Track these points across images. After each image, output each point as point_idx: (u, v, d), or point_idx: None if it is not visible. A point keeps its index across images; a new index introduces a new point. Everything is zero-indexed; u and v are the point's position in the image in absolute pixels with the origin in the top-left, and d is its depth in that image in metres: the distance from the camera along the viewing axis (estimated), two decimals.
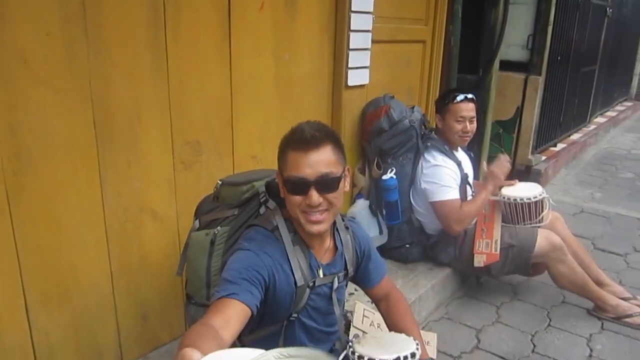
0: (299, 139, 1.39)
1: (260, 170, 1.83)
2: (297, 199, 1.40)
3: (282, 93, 2.36)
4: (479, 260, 2.64)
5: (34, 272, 1.61)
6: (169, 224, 1.97)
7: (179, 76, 1.88)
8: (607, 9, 6.37)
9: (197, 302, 1.67)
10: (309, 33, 2.44)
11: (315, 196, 1.38)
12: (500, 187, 2.80)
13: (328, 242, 1.59)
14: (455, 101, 2.68)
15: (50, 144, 1.57)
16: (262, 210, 1.60)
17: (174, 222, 1.99)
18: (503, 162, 2.78)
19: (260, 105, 2.26)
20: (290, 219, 1.51)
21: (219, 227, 1.64)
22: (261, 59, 2.22)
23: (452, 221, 2.65)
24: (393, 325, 1.70)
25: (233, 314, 1.25)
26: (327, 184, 1.39)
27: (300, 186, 1.39)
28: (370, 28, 2.69)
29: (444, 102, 2.74)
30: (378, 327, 2.21)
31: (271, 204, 1.57)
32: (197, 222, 1.71)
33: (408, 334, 1.61)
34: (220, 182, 1.72)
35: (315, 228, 1.43)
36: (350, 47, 2.60)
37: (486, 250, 2.65)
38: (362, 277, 1.71)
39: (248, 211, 1.63)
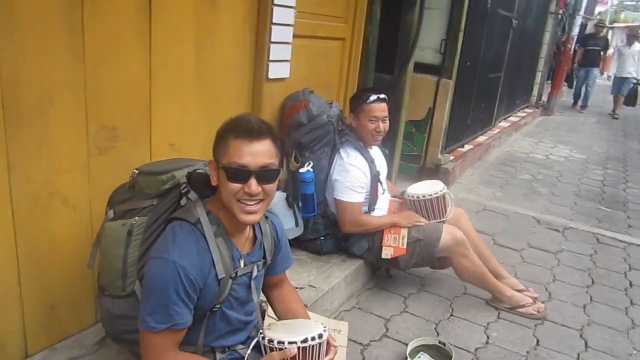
0: (245, 128, 1.41)
1: (178, 159, 1.79)
2: (235, 186, 1.42)
3: (203, 82, 2.33)
4: (387, 253, 2.75)
5: None
6: (81, 211, 1.90)
7: (96, 57, 1.82)
8: (513, 20, 6.78)
9: (112, 294, 1.62)
10: (230, 23, 2.43)
11: (254, 185, 1.41)
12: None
13: (248, 232, 1.61)
14: (368, 101, 2.76)
15: None
16: (183, 201, 1.58)
17: (86, 209, 1.92)
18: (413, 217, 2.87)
19: (179, 92, 2.22)
20: (213, 211, 1.52)
21: (136, 217, 1.59)
22: (181, 46, 2.18)
23: (346, 221, 2.78)
24: (285, 308, 1.81)
25: (180, 339, 1.46)
26: (267, 175, 1.44)
27: (241, 174, 1.41)
28: (292, 22, 2.71)
29: (357, 102, 2.82)
30: None
31: (192, 195, 1.56)
32: (111, 212, 1.66)
33: (299, 316, 1.76)
34: (137, 171, 1.66)
35: (249, 218, 1.46)
36: (272, 40, 2.61)
37: (394, 244, 2.76)
38: (269, 265, 1.75)
39: (167, 202, 1.60)
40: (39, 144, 1.71)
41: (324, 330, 1.47)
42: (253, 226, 1.64)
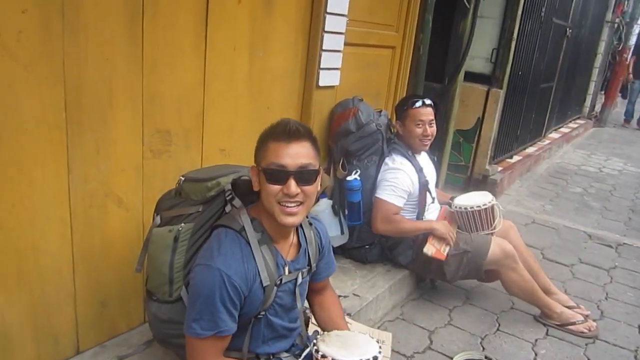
0: (283, 130, 1.42)
1: (224, 165, 1.81)
2: (275, 188, 1.42)
3: (254, 88, 2.36)
4: (428, 248, 2.70)
5: None
6: (134, 212, 1.95)
7: (153, 63, 1.87)
8: (567, 29, 6.60)
9: (160, 299, 1.66)
10: (284, 31, 2.46)
11: (293, 186, 1.41)
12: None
13: (292, 238, 1.61)
14: (414, 106, 2.76)
15: (18, 121, 1.53)
16: (228, 208, 1.59)
17: (139, 211, 1.97)
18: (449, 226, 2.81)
19: (231, 98, 2.26)
20: (257, 218, 1.53)
21: (182, 224, 1.62)
22: (235, 53, 2.22)
23: (379, 219, 2.73)
24: (325, 316, 1.81)
25: (225, 346, 1.48)
26: (305, 175, 1.43)
27: (280, 175, 1.41)
28: (343, 30, 2.72)
29: (403, 108, 2.81)
30: None
31: (237, 202, 1.57)
32: (158, 218, 1.69)
33: (338, 326, 1.74)
34: (182, 178, 1.69)
35: (289, 220, 1.45)
36: (324, 47, 2.63)
37: (437, 246, 2.72)
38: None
39: (213, 208, 1.62)
40: (97, 145, 1.76)
41: (379, 352, 1.46)
42: (297, 233, 1.64)
